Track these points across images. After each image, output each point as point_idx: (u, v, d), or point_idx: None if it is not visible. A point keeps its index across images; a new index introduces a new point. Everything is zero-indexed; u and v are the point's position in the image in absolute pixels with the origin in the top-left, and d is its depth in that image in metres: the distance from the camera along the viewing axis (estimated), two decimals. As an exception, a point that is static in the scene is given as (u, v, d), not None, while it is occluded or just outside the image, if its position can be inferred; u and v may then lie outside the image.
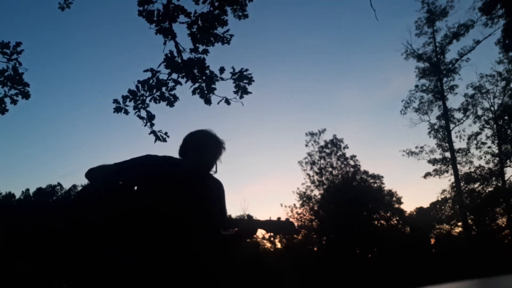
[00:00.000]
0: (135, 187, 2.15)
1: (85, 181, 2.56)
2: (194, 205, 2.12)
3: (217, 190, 2.31)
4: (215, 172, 2.24)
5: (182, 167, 2.21)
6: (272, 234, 2.14)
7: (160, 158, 2.20)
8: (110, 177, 2.10)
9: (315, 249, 34.37)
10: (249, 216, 2.17)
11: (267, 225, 2.13)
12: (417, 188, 53.17)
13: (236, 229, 2.20)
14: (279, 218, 2.13)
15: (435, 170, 32.22)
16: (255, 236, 2.07)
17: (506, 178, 31.53)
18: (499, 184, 31.62)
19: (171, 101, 6.00)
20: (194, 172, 2.21)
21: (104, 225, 1.99)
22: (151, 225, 2.05)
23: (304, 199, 34.17)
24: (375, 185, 34.45)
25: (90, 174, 2.12)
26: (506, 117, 30.75)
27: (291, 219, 2.14)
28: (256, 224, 2.15)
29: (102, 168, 2.12)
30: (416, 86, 32.42)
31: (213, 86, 5.99)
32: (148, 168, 2.12)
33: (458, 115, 31.85)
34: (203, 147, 2.19)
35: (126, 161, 2.16)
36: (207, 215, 2.15)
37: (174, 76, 5.97)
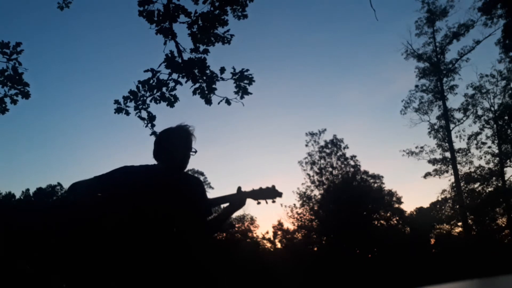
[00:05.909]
0: (117, 197, 2.19)
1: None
2: (179, 207, 2.18)
3: (197, 187, 2.38)
4: (195, 152, 2.40)
5: (159, 171, 2.30)
6: (259, 200, 2.51)
7: (137, 168, 2.29)
8: (92, 190, 2.18)
9: (315, 249, 34.38)
10: (238, 188, 2.45)
11: (253, 193, 2.49)
12: (417, 188, 53.13)
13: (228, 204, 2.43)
14: (260, 187, 2.53)
15: (435, 170, 32.28)
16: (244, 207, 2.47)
17: (506, 178, 31.60)
18: (499, 184, 31.64)
19: (172, 101, 5.98)
20: (172, 172, 2.30)
21: (94, 232, 2.06)
22: (139, 230, 2.09)
23: (304, 199, 34.19)
24: (375, 185, 34.47)
25: (73, 188, 2.18)
26: (506, 117, 30.74)
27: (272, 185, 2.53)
28: (243, 195, 2.42)
29: (84, 182, 2.20)
30: (416, 86, 32.49)
31: (213, 86, 5.97)
32: (128, 179, 2.20)
33: (458, 115, 31.94)
34: (172, 145, 2.33)
35: (106, 173, 2.24)
36: (194, 213, 2.21)
37: (175, 76, 5.94)
